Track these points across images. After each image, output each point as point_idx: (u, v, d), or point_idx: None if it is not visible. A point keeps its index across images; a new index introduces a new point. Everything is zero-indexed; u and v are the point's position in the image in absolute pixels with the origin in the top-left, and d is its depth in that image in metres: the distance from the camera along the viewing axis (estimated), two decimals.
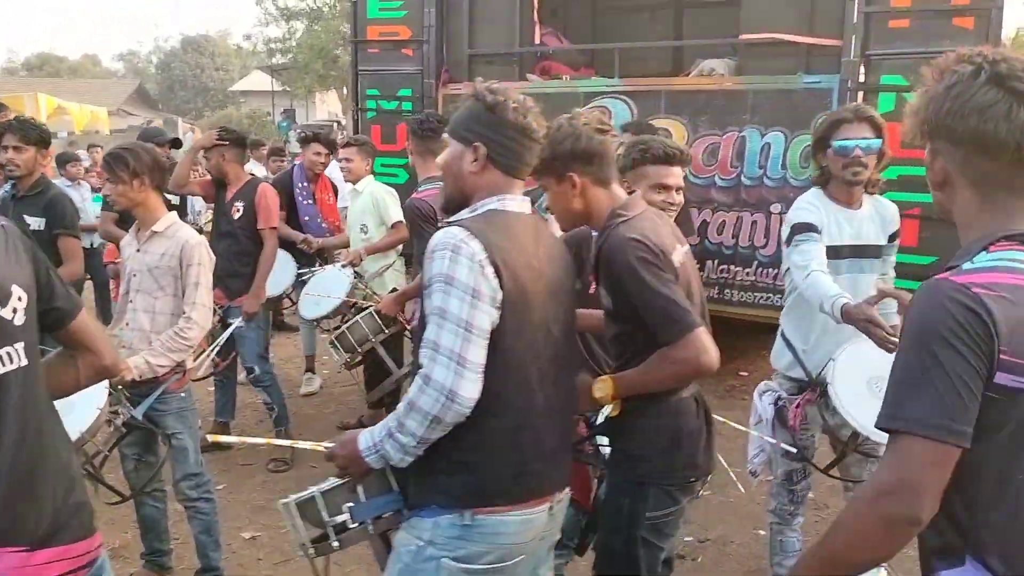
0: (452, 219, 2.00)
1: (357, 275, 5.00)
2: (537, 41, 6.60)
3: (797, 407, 3.02)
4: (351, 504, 2.02)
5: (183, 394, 3.31)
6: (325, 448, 2.07)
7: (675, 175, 2.82)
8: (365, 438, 1.93)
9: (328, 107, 39.14)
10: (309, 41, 28.12)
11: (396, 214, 5.09)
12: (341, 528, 2.03)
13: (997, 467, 1.32)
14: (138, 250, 3.30)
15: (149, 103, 41.83)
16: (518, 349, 1.92)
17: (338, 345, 4.64)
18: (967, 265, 1.34)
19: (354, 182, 5.24)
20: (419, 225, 4.09)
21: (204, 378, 4.36)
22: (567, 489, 2.13)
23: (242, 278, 4.77)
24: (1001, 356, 1.27)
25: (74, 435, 2.80)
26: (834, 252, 3.03)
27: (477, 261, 1.85)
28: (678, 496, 2.28)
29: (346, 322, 4.72)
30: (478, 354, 1.83)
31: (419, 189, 4.28)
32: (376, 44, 6.59)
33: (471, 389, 1.82)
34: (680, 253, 2.27)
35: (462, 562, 1.91)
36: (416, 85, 6.44)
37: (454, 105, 6.51)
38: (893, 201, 3.29)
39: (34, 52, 56.43)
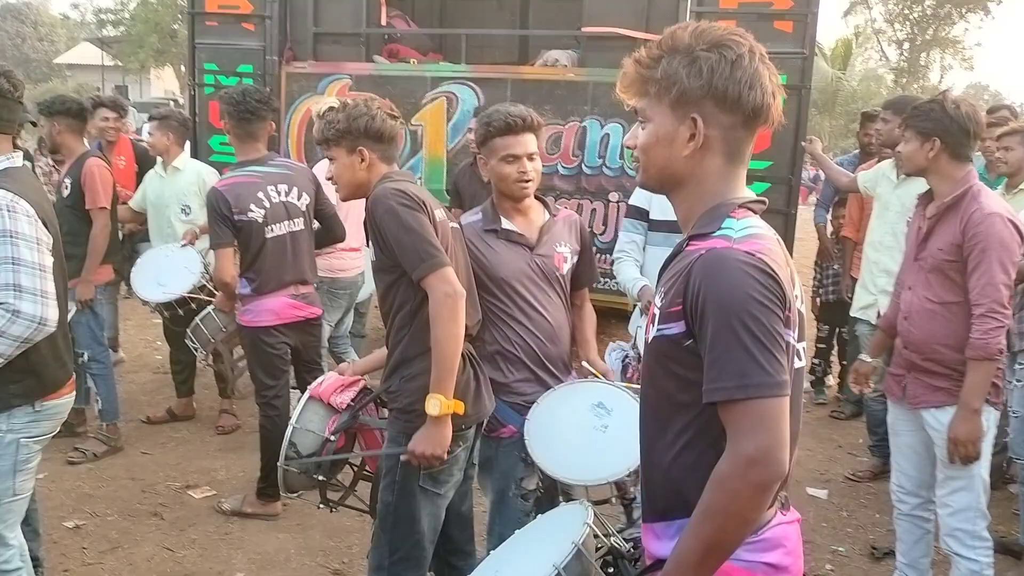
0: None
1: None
2: (384, 23, 6.56)
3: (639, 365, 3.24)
4: None
5: None
6: None
7: (522, 143, 2.74)
8: None
9: (164, 84, 37.08)
10: (144, 14, 26.56)
11: None
12: None
13: None
14: None
15: None
16: (58, 279, 2.48)
17: (195, 339, 4.33)
18: (731, 234, 1.40)
19: (159, 157, 5.09)
20: (211, 215, 3.80)
21: None
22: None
23: (73, 260, 4.45)
24: (787, 314, 1.38)
25: None
26: (666, 226, 3.39)
27: (32, 216, 2.36)
28: (450, 445, 2.44)
29: (192, 310, 4.56)
30: (51, 288, 2.38)
31: (226, 175, 4.00)
32: (215, 17, 6.33)
33: (55, 314, 2.38)
34: (441, 214, 2.53)
35: (34, 438, 2.52)
36: (258, 62, 6.23)
37: (298, 84, 6.37)
38: None
39: None
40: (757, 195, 1.54)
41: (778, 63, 5.34)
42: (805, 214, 6.88)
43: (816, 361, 6.10)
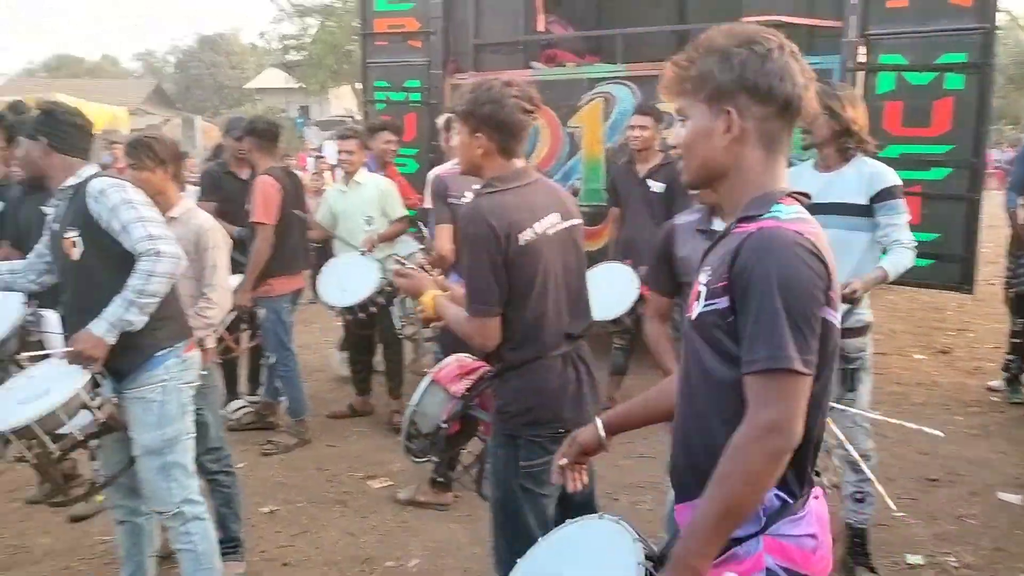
0: (91, 177, 2.84)
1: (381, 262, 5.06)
2: (542, 29, 6.70)
3: None
4: (97, 391, 2.80)
5: (204, 371, 3.43)
6: (65, 353, 2.78)
7: None
8: (100, 325, 2.72)
9: (343, 103, 39.28)
10: (322, 36, 28.23)
11: (401, 208, 5.32)
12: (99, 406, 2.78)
13: (821, 388, 1.48)
14: None
15: (167, 102, 42.20)
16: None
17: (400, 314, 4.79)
18: (781, 216, 1.48)
19: (353, 174, 5.32)
20: (432, 197, 4.48)
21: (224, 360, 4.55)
22: None
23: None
24: (830, 294, 1.45)
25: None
26: (823, 209, 3.28)
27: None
28: (549, 446, 2.43)
29: (373, 313, 4.93)
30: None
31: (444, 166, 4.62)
32: (384, 37, 6.71)
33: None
34: (534, 232, 2.45)
35: (187, 383, 3.00)
36: (423, 76, 6.55)
37: (459, 95, 6.62)
38: None
39: (53, 54, 56.99)
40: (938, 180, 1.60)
41: (955, 41, 5.05)
42: (999, 198, 6.39)
43: (1011, 357, 5.64)
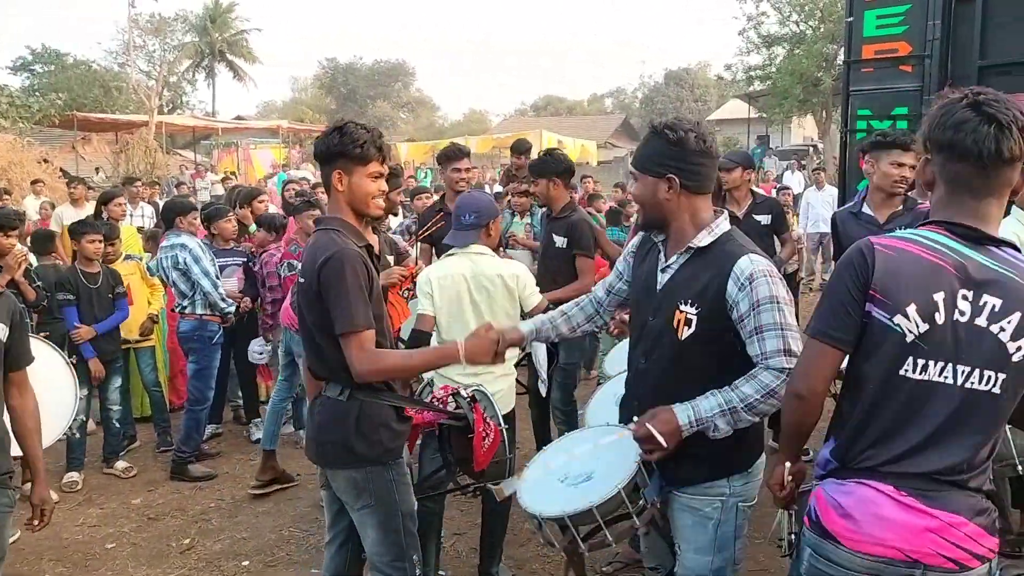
0: (752, 251, 2.38)
1: None
2: None
3: None
4: (645, 489, 2.43)
5: None
6: (633, 427, 2.40)
7: None
8: (685, 414, 2.31)
9: (804, 132, 38.27)
10: (789, 66, 27.83)
11: None
12: (639, 511, 2.42)
13: (871, 379, 1.91)
14: None
15: (632, 135, 45.21)
16: None
17: None
18: (895, 233, 1.95)
19: None
20: None
21: None
22: None
23: None
24: (871, 291, 1.85)
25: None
26: None
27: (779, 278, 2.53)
28: None
29: None
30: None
31: None
32: (871, 63, 6.33)
33: None
34: None
35: (747, 502, 2.49)
36: (913, 103, 6.03)
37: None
38: None
39: (541, 95, 64.67)
40: None
41: None
42: None
43: None
